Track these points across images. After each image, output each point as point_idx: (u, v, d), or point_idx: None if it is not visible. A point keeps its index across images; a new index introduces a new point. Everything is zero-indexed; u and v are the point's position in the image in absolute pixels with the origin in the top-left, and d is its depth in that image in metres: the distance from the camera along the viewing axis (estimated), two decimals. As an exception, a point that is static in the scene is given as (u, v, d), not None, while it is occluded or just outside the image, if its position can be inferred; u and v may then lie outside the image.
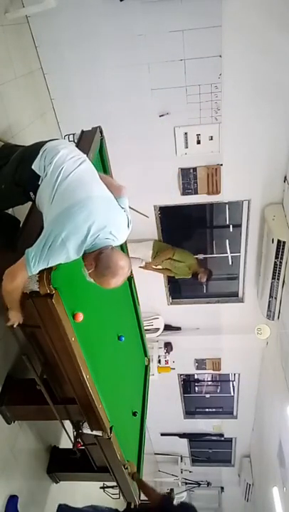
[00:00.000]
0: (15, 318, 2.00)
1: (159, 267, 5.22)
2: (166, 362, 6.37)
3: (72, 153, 2.02)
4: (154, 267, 5.21)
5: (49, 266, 1.77)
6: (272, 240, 4.61)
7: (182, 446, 9.27)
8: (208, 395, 8.75)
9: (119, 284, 1.81)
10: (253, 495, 9.04)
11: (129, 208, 2.15)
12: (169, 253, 5.06)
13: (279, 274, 4.78)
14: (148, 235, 5.23)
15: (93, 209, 1.80)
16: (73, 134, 2.96)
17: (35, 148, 2.02)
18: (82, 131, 2.74)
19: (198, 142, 4.42)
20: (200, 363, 6.92)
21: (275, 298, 5.05)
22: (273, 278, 4.84)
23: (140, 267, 5.15)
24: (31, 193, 2.00)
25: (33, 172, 1.95)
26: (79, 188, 1.85)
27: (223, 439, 9.07)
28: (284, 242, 4.53)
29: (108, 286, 1.81)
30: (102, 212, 1.83)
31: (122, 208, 2.03)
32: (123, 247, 3.31)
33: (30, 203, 2.38)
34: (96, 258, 1.78)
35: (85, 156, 2.08)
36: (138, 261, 5.08)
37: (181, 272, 5.16)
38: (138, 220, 4.64)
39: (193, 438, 9.13)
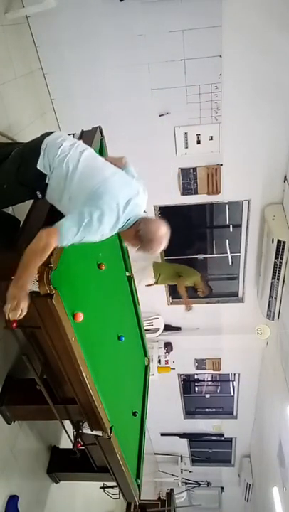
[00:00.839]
0: (24, 302, 1.71)
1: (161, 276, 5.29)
2: (166, 362, 6.37)
3: (72, 143, 2.05)
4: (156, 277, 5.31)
5: (81, 242, 1.81)
6: (272, 240, 4.62)
7: (182, 446, 9.27)
8: (208, 395, 8.75)
9: (165, 245, 1.98)
10: (253, 495, 9.05)
11: None
12: (174, 280, 5.18)
13: (279, 274, 4.78)
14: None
15: (113, 188, 1.88)
16: (73, 134, 2.94)
17: (35, 147, 2.01)
18: (82, 131, 2.74)
19: (198, 142, 4.42)
20: (200, 363, 6.93)
21: (275, 298, 5.05)
22: (273, 278, 4.85)
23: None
24: (38, 193, 2.01)
25: (39, 171, 1.96)
26: (92, 173, 1.92)
27: (223, 439, 9.08)
28: (284, 242, 4.53)
29: (158, 253, 2.08)
30: (121, 188, 1.92)
31: (133, 176, 2.11)
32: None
33: (30, 201, 2.39)
34: (136, 236, 1.93)
35: (81, 142, 2.12)
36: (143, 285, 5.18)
37: (182, 289, 5.25)
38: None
39: (193, 438, 9.13)
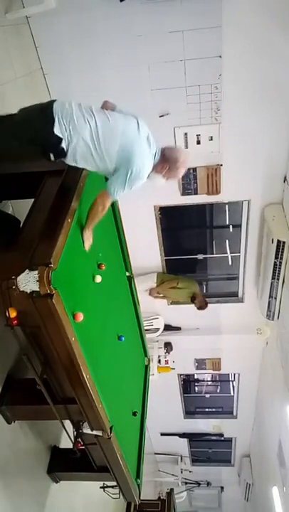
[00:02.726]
0: (90, 238, 2.31)
1: (162, 295, 5.53)
2: (166, 362, 6.37)
3: (78, 104, 2.13)
4: (156, 294, 5.51)
5: (129, 191, 2.15)
6: (272, 240, 4.62)
7: (182, 446, 9.27)
8: (208, 395, 8.75)
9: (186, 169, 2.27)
10: (253, 495, 9.05)
11: None
12: (173, 282, 5.35)
13: (279, 274, 4.78)
14: (152, 267, 5.48)
15: (133, 138, 2.12)
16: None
17: (46, 112, 2.05)
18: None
19: (198, 142, 4.42)
20: (200, 363, 6.93)
21: (275, 298, 5.05)
22: (273, 278, 4.85)
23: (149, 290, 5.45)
24: (51, 155, 2.08)
25: (56, 136, 2.02)
26: (112, 132, 2.10)
27: (223, 438, 9.08)
28: (284, 242, 4.54)
29: (181, 175, 2.30)
30: (136, 133, 2.14)
31: (126, 113, 2.25)
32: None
33: (30, 202, 2.39)
34: (164, 161, 2.19)
35: (81, 102, 2.19)
36: (144, 293, 5.33)
37: (181, 298, 5.46)
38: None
39: (193, 438, 9.14)
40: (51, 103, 2.09)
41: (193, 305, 5.37)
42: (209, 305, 6.03)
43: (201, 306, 5.33)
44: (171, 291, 5.42)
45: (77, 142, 2.05)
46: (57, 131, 2.02)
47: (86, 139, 2.05)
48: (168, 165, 2.20)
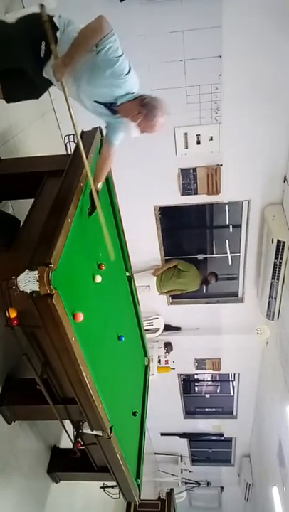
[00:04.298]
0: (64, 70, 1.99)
1: (168, 289, 5.53)
2: (166, 362, 6.38)
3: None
4: (163, 291, 5.56)
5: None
6: (272, 240, 4.62)
7: (182, 446, 9.28)
8: (208, 395, 8.75)
9: (163, 126, 2.08)
10: (253, 495, 9.05)
11: None
12: (172, 263, 5.38)
13: (279, 274, 4.78)
14: (152, 267, 5.51)
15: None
16: (73, 135, 2.96)
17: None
18: (83, 132, 2.74)
19: (198, 142, 4.42)
20: (200, 363, 6.93)
21: (275, 298, 5.05)
22: (273, 278, 4.85)
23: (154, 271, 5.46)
24: (42, 44, 2.04)
25: (53, 23, 2.03)
26: None
27: (223, 438, 9.08)
28: (284, 242, 4.54)
29: (158, 128, 2.10)
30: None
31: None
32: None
33: (30, 202, 2.39)
34: (141, 104, 2.05)
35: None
36: (145, 289, 5.37)
37: (190, 284, 5.44)
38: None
39: (193, 438, 9.14)
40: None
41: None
42: (209, 305, 6.06)
43: (216, 279, 5.42)
44: (174, 285, 5.45)
45: (71, 32, 2.07)
46: (56, 20, 2.09)
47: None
48: (145, 111, 2.05)
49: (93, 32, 2.01)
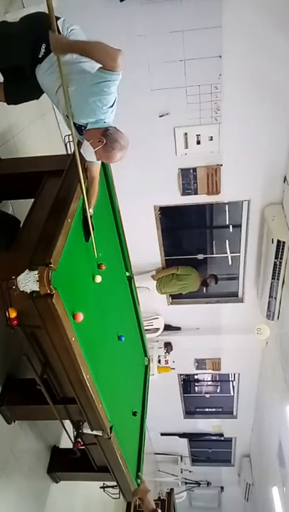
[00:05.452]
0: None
1: (168, 290, 5.57)
2: (166, 362, 6.37)
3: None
4: (163, 292, 5.59)
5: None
6: (272, 240, 4.62)
7: (182, 446, 9.27)
8: (208, 395, 8.75)
9: (121, 159, 2.08)
10: (253, 495, 9.05)
11: None
12: (172, 270, 5.41)
13: (279, 274, 4.78)
14: (152, 267, 5.53)
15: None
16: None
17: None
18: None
19: (198, 142, 4.42)
20: (200, 363, 6.93)
21: (275, 298, 5.05)
22: (273, 278, 4.85)
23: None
24: (43, 46, 2.09)
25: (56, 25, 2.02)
26: None
27: (223, 438, 9.07)
28: (284, 242, 4.54)
29: (113, 160, 2.09)
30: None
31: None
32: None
33: (30, 202, 2.39)
34: (104, 134, 2.04)
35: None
36: (145, 290, 5.35)
37: (190, 286, 5.45)
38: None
39: (193, 438, 9.13)
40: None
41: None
42: (209, 305, 6.05)
43: (216, 281, 5.42)
44: (175, 287, 5.46)
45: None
46: (60, 23, 2.13)
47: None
48: (105, 141, 2.03)
49: (106, 55, 2.03)
